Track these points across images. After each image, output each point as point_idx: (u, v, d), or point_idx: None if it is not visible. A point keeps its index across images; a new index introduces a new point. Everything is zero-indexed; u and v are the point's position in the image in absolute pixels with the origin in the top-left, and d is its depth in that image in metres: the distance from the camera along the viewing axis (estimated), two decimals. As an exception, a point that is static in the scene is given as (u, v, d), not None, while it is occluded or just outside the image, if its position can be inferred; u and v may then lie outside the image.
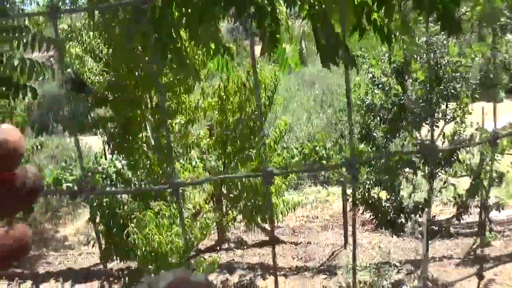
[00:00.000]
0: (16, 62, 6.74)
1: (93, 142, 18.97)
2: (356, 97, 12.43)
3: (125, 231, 8.90)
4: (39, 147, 12.53)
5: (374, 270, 10.21)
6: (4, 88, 6.97)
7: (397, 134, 12.60)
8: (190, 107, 10.63)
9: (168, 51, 4.24)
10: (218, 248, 14.00)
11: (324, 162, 13.29)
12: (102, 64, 10.79)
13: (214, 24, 4.31)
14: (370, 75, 12.48)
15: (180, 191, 1.25)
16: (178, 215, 8.79)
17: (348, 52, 4.41)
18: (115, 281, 13.30)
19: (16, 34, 6.54)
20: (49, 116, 30.35)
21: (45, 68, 7.25)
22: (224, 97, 10.95)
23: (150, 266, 9.37)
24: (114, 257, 10.38)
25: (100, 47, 10.63)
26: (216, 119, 11.24)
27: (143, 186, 10.13)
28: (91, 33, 10.70)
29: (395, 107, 12.14)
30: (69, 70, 12.22)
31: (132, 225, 8.80)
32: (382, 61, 12.53)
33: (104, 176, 12.35)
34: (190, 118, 10.73)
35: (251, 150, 11.02)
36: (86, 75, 11.01)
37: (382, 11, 3.74)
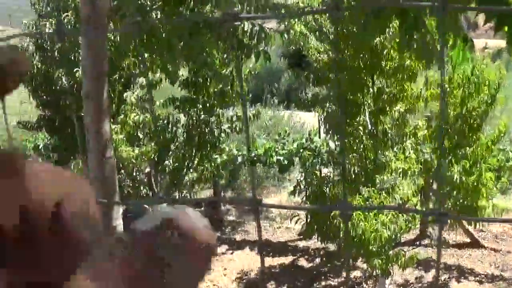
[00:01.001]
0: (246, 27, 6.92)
1: (307, 118, 19.16)
2: None
3: (333, 212, 8.90)
4: (256, 117, 12.79)
5: None
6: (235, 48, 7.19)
7: None
8: (412, 96, 10.40)
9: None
10: (417, 243, 13.72)
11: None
12: (328, 43, 10.79)
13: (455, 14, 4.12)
14: None
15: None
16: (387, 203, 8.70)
17: None
18: (309, 259, 13.44)
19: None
20: (264, 87, 31.02)
21: (274, 38, 7.38)
22: (448, 89, 10.60)
23: (349, 251, 9.36)
24: (315, 236, 10.43)
25: (328, 26, 10.63)
26: (437, 111, 10.91)
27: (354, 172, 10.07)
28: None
29: None
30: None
31: (340, 208, 8.77)
32: None
33: (315, 154, 12.42)
34: (410, 106, 10.51)
35: (468, 148, 10.62)
36: (310, 51, 11.04)
37: None
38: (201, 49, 7.64)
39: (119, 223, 6.11)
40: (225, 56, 11.03)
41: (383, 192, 9.06)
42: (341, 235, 8.89)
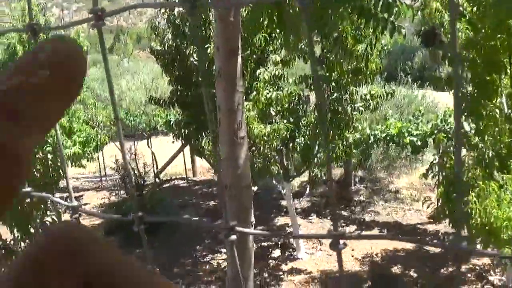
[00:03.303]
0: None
1: (441, 98, 18.80)
2: None
3: (466, 198, 8.69)
4: (390, 95, 12.62)
5: None
6: (364, 20, 7.09)
7: None
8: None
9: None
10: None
11: None
12: (464, 22, 10.47)
13: None
14: None
15: None
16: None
17: None
18: (436, 242, 13.24)
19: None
20: (396, 65, 30.61)
21: (407, 10, 7.24)
22: None
23: (480, 238, 9.14)
24: (445, 220, 10.24)
25: (465, 5, 10.32)
26: None
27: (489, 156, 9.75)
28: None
29: None
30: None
31: (473, 193, 8.57)
32: None
33: (449, 136, 12.17)
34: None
35: None
36: (445, 30, 10.77)
37: None
38: (334, 24, 7.54)
39: (251, 204, 6.15)
40: (358, 32, 10.98)
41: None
42: (472, 222, 8.66)
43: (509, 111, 9.81)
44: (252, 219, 6.11)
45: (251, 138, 11.00)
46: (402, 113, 18.08)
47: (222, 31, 5.30)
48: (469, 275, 11.75)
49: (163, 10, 12.91)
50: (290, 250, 13.12)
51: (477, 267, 12.02)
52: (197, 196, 17.95)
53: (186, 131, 14.22)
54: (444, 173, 9.89)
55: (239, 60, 5.43)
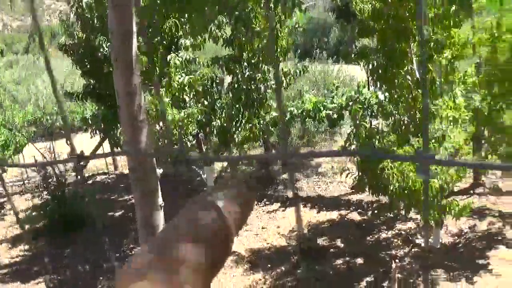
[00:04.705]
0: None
1: (357, 72, 19.08)
2: None
3: (381, 164, 8.83)
4: (302, 72, 12.70)
5: None
6: None
7: None
8: (459, 42, 10.16)
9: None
10: (471, 191, 13.59)
11: None
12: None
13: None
14: None
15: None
16: (437, 152, 8.56)
17: None
18: (362, 212, 13.44)
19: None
20: (312, 41, 30.88)
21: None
22: (496, 34, 10.35)
23: (401, 202, 9.30)
24: (366, 190, 10.37)
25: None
26: (486, 57, 10.66)
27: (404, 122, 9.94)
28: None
29: None
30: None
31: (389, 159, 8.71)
32: None
33: (365, 106, 12.33)
34: (458, 53, 10.28)
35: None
36: (355, 2, 10.87)
37: None
38: (236, 3, 7.51)
39: (158, 187, 6.10)
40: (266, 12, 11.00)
41: (433, 141, 8.92)
42: (391, 188, 8.80)
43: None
44: (161, 201, 6.08)
45: (167, 124, 10.94)
46: (319, 88, 18.31)
47: (115, 14, 5.20)
48: (395, 240, 11.95)
49: (72, 3, 12.66)
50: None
51: (403, 232, 12.24)
52: (120, 190, 17.76)
53: (103, 124, 14.03)
54: (360, 143, 10.02)
55: (135, 42, 5.34)
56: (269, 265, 11.39)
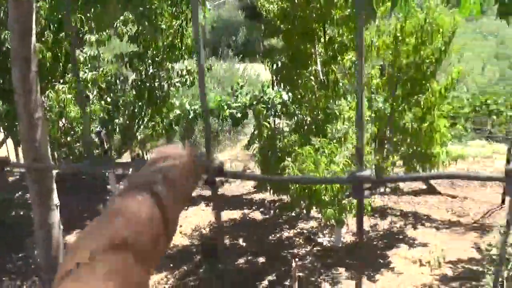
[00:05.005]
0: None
1: (262, 71, 19.12)
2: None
3: (282, 164, 8.85)
4: (207, 70, 12.66)
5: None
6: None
7: None
8: (365, 45, 10.31)
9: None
10: (373, 191, 13.83)
11: (494, 117, 12.69)
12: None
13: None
14: None
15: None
16: (338, 152, 8.67)
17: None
18: (265, 211, 13.49)
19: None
20: (220, 40, 30.89)
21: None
22: (400, 38, 10.54)
23: (302, 202, 9.35)
24: (268, 188, 10.40)
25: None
26: (389, 59, 10.84)
27: (306, 123, 10.02)
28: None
29: None
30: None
31: (290, 158, 8.75)
32: None
33: (268, 106, 12.38)
34: (362, 55, 10.40)
35: (421, 95, 10.60)
36: (260, 3, 10.90)
37: None
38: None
39: (53, 187, 5.97)
40: (174, 9, 10.90)
41: (334, 141, 9.01)
42: (292, 187, 8.85)
43: (324, 77, 10.07)
44: (56, 201, 5.95)
45: (68, 122, 10.73)
46: (224, 87, 18.33)
47: (15, 10, 5.05)
48: (297, 238, 12.04)
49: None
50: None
51: (305, 231, 12.34)
52: (21, 188, 17.25)
53: (6, 121, 13.56)
54: (262, 143, 10.05)
55: (33, 40, 5.19)
56: (171, 265, 11.29)
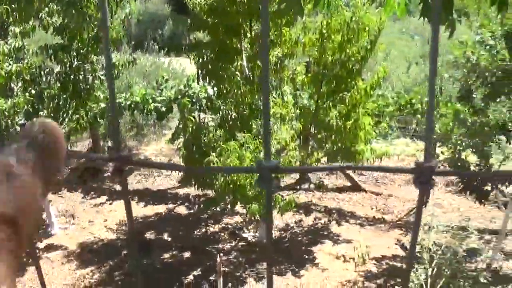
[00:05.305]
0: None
1: (188, 65, 19.04)
2: (461, 55, 11.84)
3: (207, 158, 8.85)
4: (131, 63, 12.52)
5: (451, 233, 9.89)
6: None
7: (497, 99, 11.95)
8: (290, 41, 10.37)
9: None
10: (298, 187, 13.93)
11: (419, 116, 12.97)
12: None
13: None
14: (479, 37, 11.79)
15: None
16: (262, 149, 8.70)
17: (450, 12, 4.05)
18: (190, 206, 13.44)
19: None
20: (146, 33, 30.61)
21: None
22: (326, 35, 10.61)
23: (227, 197, 9.37)
24: (193, 183, 10.37)
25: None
26: (315, 56, 10.91)
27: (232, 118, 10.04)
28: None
29: (500, 72, 11.50)
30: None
31: (214, 154, 8.75)
32: (494, 22, 11.83)
33: (193, 100, 12.34)
34: (288, 52, 10.48)
35: (346, 93, 10.70)
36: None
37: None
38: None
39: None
40: None
41: (259, 137, 9.05)
42: (216, 182, 8.86)
43: (250, 73, 10.08)
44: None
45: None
46: (149, 81, 18.19)
47: None
48: (222, 233, 12.06)
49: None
50: (43, 226, 12.61)
51: (230, 226, 12.36)
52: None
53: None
54: (185, 135, 10.00)
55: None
56: (96, 259, 11.15)
